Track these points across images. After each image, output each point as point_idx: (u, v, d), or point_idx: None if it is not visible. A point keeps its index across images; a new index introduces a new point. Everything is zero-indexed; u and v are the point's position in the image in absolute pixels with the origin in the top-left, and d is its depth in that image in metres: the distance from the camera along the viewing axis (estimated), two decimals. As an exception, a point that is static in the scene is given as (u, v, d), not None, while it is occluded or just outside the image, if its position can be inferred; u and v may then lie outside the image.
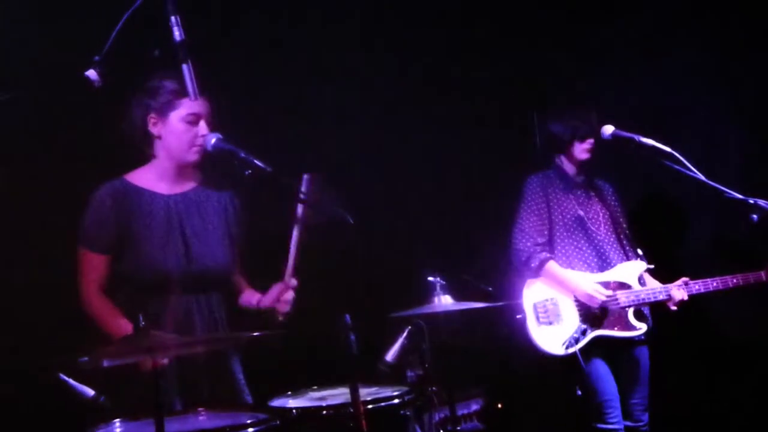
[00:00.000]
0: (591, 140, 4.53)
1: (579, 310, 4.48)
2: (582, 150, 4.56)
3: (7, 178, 3.90)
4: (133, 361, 3.29)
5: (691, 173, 4.12)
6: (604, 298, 4.42)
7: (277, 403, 3.46)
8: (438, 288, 3.75)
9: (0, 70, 3.84)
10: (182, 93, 3.46)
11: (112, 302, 3.52)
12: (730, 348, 5.06)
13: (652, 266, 4.56)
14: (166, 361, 3.25)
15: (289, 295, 3.54)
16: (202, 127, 3.54)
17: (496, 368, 4.81)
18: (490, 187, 4.97)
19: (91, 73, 3.23)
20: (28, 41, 3.93)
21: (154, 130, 3.58)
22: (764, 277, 4.41)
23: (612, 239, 4.59)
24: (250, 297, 3.74)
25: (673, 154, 4.18)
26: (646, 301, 4.48)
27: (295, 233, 3.40)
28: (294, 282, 3.52)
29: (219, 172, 3.62)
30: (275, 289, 3.58)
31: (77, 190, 3.60)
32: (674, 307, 4.46)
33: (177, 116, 3.54)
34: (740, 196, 4.01)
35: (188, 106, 3.51)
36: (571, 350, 4.40)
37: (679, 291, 4.44)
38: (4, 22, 3.87)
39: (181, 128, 3.55)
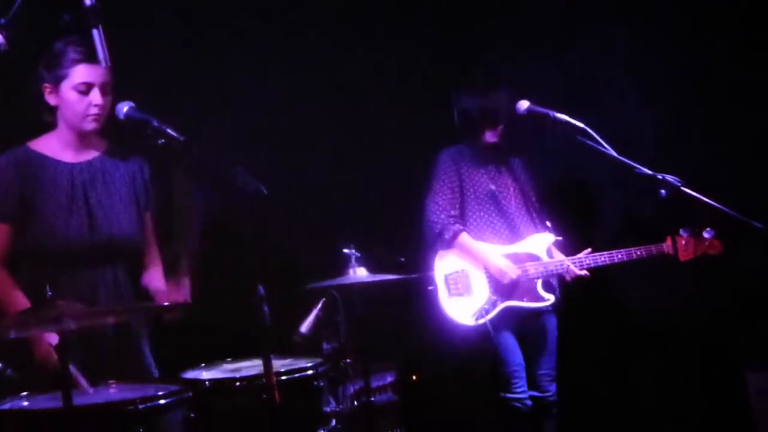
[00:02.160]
0: (500, 126, 4.60)
1: (489, 282, 4.55)
2: (491, 135, 4.63)
3: None
4: (38, 333, 3.24)
5: (603, 149, 4.20)
6: (515, 276, 4.49)
7: (190, 375, 3.44)
8: (353, 260, 3.77)
9: None
10: (75, 61, 3.40)
11: (12, 276, 3.43)
12: (636, 320, 5.20)
13: (559, 238, 4.66)
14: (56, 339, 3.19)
15: (185, 286, 3.49)
16: (95, 95, 3.45)
17: (410, 340, 4.86)
18: (405, 159, 4.98)
19: (-2, 38, 3.13)
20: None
21: (50, 99, 3.49)
22: (665, 249, 4.54)
23: (522, 212, 4.67)
24: (150, 280, 3.65)
25: (586, 130, 4.23)
26: (553, 272, 4.58)
27: (196, 219, 3.36)
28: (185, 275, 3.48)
29: (127, 140, 3.54)
30: (170, 288, 3.52)
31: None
32: (569, 279, 4.54)
33: (68, 85, 3.45)
34: (650, 172, 4.09)
35: (79, 75, 3.43)
36: (481, 321, 4.48)
37: (577, 266, 4.52)
38: None
39: (73, 98, 3.46)
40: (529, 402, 4.56)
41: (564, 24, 5.27)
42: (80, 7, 3.18)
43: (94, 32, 3.18)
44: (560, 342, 4.67)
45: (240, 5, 4.75)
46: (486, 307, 4.50)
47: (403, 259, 4.25)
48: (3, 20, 3.14)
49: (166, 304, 3.30)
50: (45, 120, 3.54)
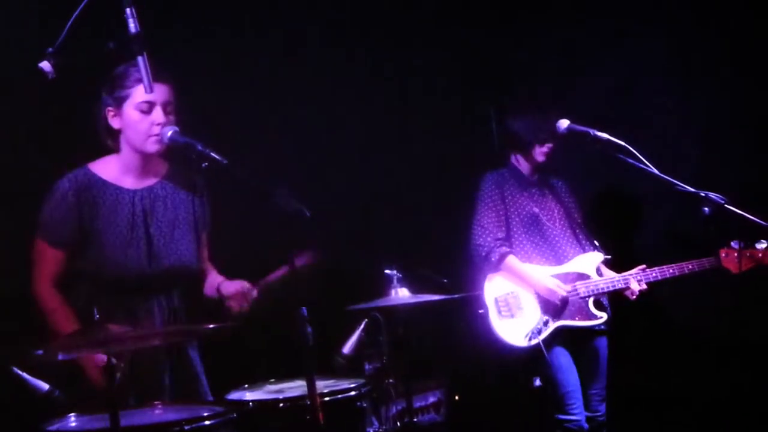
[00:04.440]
0: (550, 144, 4.59)
1: (540, 302, 4.52)
2: (540, 153, 4.61)
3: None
4: (87, 354, 3.28)
5: (644, 166, 4.18)
6: (565, 293, 4.47)
7: (234, 396, 3.46)
8: (395, 281, 3.78)
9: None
10: (137, 80, 3.41)
11: (66, 299, 3.46)
12: (685, 336, 5.15)
13: (608, 257, 4.63)
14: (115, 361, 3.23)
15: (252, 294, 3.52)
16: (158, 114, 3.46)
17: (453, 360, 4.85)
18: (447, 181, 4.99)
19: (45, 65, 3.19)
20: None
21: (113, 123, 3.50)
22: (718, 263, 4.49)
23: (567, 234, 4.65)
24: (213, 280, 3.67)
25: (627, 148, 4.23)
26: (605, 290, 4.54)
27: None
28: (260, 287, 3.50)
29: (185, 164, 3.54)
30: (240, 283, 3.56)
31: (36, 179, 3.54)
32: (633, 297, 4.52)
33: (130, 105, 3.47)
34: (692, 189, 4.07)
35: (141, 94, 3.43)
36: (534, 341, 4.44)
37: (636, 281, 4.50)
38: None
39: (136, 117, 3.47)
40: (585, 424, 4.50)
41: (603, 41, 5.26)
42: (125, 35, 3.25)
43: (139, 59, 3.24)
44: (611, 360, 4.63)
45: (281, 23, 4.79)
46: (538, 327, 4.48)
47: (446, 280, 4.24)
48: (50, 49, 3.22)
49: (211, 325, 3.33)
50: (108, 146, 3.54)
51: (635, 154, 4.19)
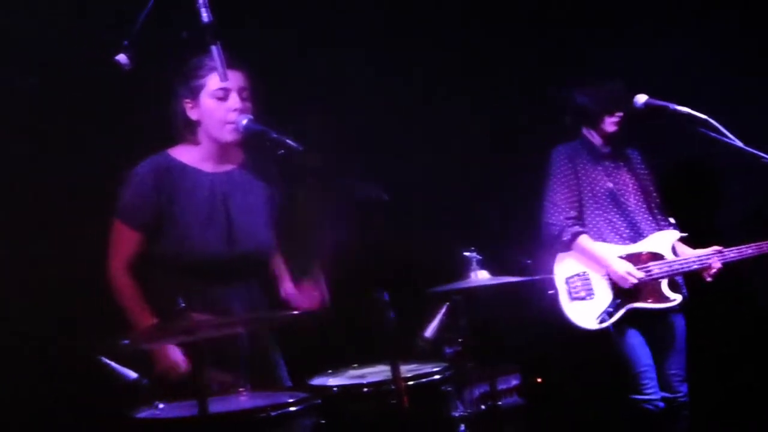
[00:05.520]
0: (620, 113, 4.49)
1: (611, 284, 4.44)
2: (611, 123, 4.51)
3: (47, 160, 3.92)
4: (171, 343, 3.31)
5: (727, 140, 4.07)
6: (636, 281, 4.37)
7: (317, 381, 3.45)
8: (474, 263, 3.73)
9: (33, 54, 3.87)
10: (211, 69, 3.41)
11: (140, 284, 3.48)
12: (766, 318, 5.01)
13: (685, 234, 4.51)
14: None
15: (320, 290, 3.52)
16: (233, 100, 3.46)
17: (534, 342, 4.79)
18: (527, 158, 4.91)
19: (122, 57, 3.23)
20: (60, 24, 3.94)
21: (192, 114, 3.51)
22: None
23: (643, 209, 4.55)
24: (287, 289, 3.68)
25: (708, 121, 4.12)
26: (680, 270, 4.44)
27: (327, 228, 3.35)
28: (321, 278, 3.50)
29: (261, 151, 3.53)
30: (306, 290, 3.56)
31: (117, 167, 3.57)
32: (709, 278, 4.41)
33: (206, 93, 3.48)
34: (778, 162, 3.96)
35: (216, 81, 3.43)
36: (604, 324, 4.37)
37: (713, 261, 4.39)
38: (38, 9, 3.88)
39: (212, 105, 3.47)
40: (661, 404, 4.41)
41: (672, 14, 5.13)
42: (198, 25, 3.26)
43: (213, 49, 3.26)
44: (689, 341, 4.52)
45: (349, 9, 4.77)
46: (609, 309, 4.40)
47: (529, 261, 4.19)
48: (126, 41, 3.25)
49: (294, 312, 3.33)
50: (187, 139, 3.55)
51: (717, 128, 4.08)
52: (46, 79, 3.79)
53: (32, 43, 3.89)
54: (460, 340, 3.65)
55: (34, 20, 3.88)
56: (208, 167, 3.55)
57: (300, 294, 3.59)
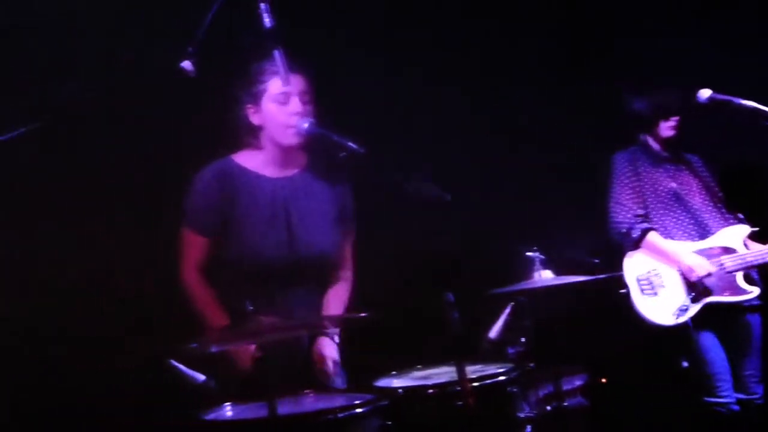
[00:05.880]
0: (676, 117, 4.46)
1: (684, 280, 4.38)
2: (667, 128, 4.50)
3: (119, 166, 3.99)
4: (238, 346, 3.34)
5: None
6: (708, 272, 4.31)
7: (382, 383, 3.46)
8: (538, 263, 3.70)
9: (96, 62, 3.94)
10: (272, 73, 3.44)
11: (212, 287, 3.52)
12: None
13: (756, 229, 4.44)
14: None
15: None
16: (295, 104, 3.48)
17: (599, 343, 4.74)
18: (590, 159, 4.87)
19: (186, 64, 3.28)
20: (124, 33, 4.01)
21: (254, 119, 3.54)
22: None
23: (709, 207, 4.50)
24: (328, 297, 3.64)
25: (773, 115, 4.06)
26: (754, 263, 4.36)
27: None
28: None
29: (324, 154, 3.55)
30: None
31: (184, 172, 3.62)
32: None
33: (268, 98, 3.51)
34: None
35: (277, 85, 3.46)
36: (681, 319, 4.31)
37: None
38: (104, 18, 3.95)
39: (273, 109, 3.50)
40: (735, 407, 4.32)
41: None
42: (261, 30, 3.29)
43: (276, 54, 3.29)
44: (765, 341, 4.44)
45: (415, 14, 4.78)
46: (685, 305, 4.34)
47: (597, 261, 4.15)
48: (190, 48, 3.30)
49: (355, 315, 3.34)
50: (249, 143, 3.58)
51: (783, 121, 4.01)
52: (109, 87, 3.84)
53: (97, 51, 3.96)
54: (522, 340, 3.64)
55: (99, 29, 3.95)
56: (270, 172, 3.57)
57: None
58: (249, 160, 3.57)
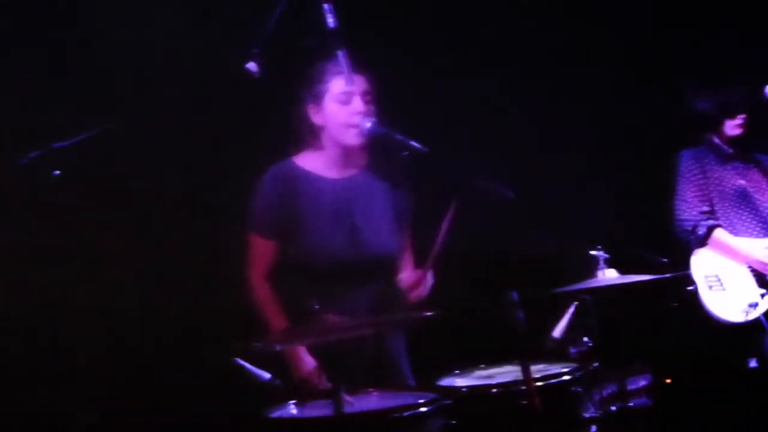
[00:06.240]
0: (742, 115, 4.39)
1: (754, 275, 4.33)
2: (733, 126, 4.45)
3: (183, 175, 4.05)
4: (304, 345, 3.37)
5: None
6: None
7: (445, 382, 3.45)
8: (601, 261, 3.67)
9: (158, 67, 4.00)
10: (334, 73, 3.46)
11: (276, 291, 3.55)
12: None
13: None
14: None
15: (428, 279, 3.51)
16: (357, 104, 3.49)
17: (664, 342, 4.69)
18: (654, 157, 4.82)
19: (252, 65, 3.31)
20: (184, 37, 4.07)
21: (316, 119, 3.55)
22: None
23: None
24: (404, 276, 3.66)
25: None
26: None
27: (447, 219, 3.32)
28: (429, 270, 3.48)
29: (385, 154, 3.56)
30: (414, 273, 3.55)
31: (246, 176, 3.65)
32: None
33: (330, 97, 3.51)
34: None
35: (339, 85, 3.48)
36: (751, 316, 4.26)
37: None
38: (166, 22, 4.01)
39: (335, 109, 3.51)
40: None
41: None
42: (324, 31, 3.31)
43: (339, 54, 3.31)
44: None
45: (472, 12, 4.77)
46: (754, 301, 4.28)
47: (665, 260, 4.10)
48: (256, 49, 3.33)
49: (422, 314, 3.33)
50: (310, 144, 3.60)
51: None
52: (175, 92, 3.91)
53: (166, 55, 4.02)
54: (585, 339, 3.61)
55: (167, 33, 4.00)
56: (331, 173, 3.59)
57: (412, 280, 3.57)
58: (310, 161, 3.59)
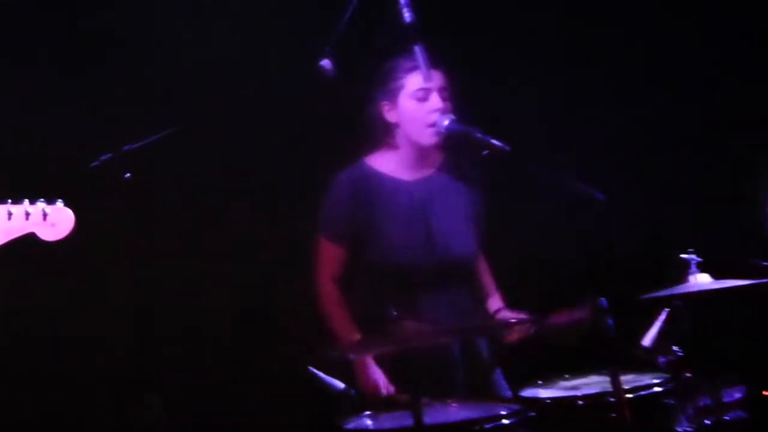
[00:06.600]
0: None
1: None
2: None
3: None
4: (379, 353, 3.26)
5: None
6: None
7: (527, 393, 3.32)
8: (693, 266, 3.48)
9: (232, 68, 3.96)
10: (410, 70, 3.36)
11: (347, 297, 3.46)
12: None
13: None
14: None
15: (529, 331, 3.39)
16: (435, 100, 3.37)
17: (759, 352, 4.46)
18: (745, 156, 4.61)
19: (326, 63, 3.23)
20: (259, 37, 4.01)
21: (390, 117, 3.45)
22: None
23: None
24: (493, 304, 3.55)
25: None
26: None
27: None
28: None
29: (462, 153, 3.45)
30: (518, 318, 3.42)
31: (319, 178, 3.59)
32: None
33: (405, 95, 3.41)
34: None
35: (415, 82, 3.37)
36: None
37: None
38: (241, 22, 3.96)
39: (412, 106, 3.40)
40: None
41: None
42: (398, 26, 3.21)
43: (416, 49, 3.20)
44: None
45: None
46: None
47: (766, 263, 3.88)
48: (329, 48, 3.24)
49: (505, 321, 3.21)
50: (384, 143, 3.50)
51: None
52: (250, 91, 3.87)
53: (241, 54, 3.97)
54: (675, 348, 3.42)
55: (238, 31, 3.96)
56: (405, 175, 3.49)
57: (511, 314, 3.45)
58: (383, 163, 3.49)
